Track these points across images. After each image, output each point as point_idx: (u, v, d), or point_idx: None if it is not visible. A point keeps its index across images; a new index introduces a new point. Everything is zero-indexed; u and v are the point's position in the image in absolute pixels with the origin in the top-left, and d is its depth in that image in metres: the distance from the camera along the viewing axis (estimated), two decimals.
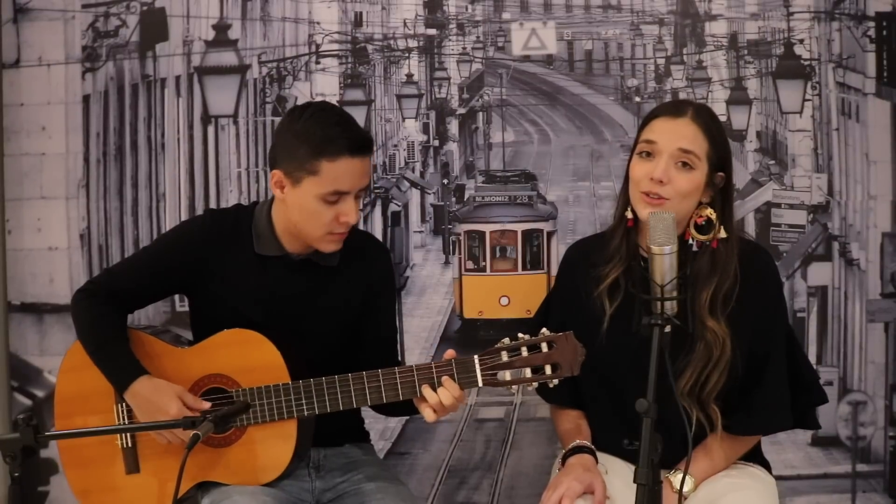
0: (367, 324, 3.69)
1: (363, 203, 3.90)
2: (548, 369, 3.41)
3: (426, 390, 3.46)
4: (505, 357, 3.43)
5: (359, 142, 3.50)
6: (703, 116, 3.51)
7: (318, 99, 5.07)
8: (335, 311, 3.65)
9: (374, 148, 3.57)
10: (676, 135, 3.47)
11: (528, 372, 3.43)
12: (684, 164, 3.45)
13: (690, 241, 3.50)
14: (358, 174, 3.50)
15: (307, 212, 3.53)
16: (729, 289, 3.48)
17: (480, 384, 3.45)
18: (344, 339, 3.63)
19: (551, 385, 3.43)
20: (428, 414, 3.47)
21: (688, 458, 3.29)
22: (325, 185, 3.49)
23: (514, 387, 3.46)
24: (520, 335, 3.44)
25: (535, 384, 3.44)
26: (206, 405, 3.52)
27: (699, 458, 3.46)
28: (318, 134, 3.48)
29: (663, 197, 3.44)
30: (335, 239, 3.57)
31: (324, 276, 3.64)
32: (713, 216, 3.50)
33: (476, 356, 3.45)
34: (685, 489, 3.32)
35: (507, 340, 3.44)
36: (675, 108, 3.54)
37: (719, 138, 3.52)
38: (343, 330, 3.66)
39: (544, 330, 3.43)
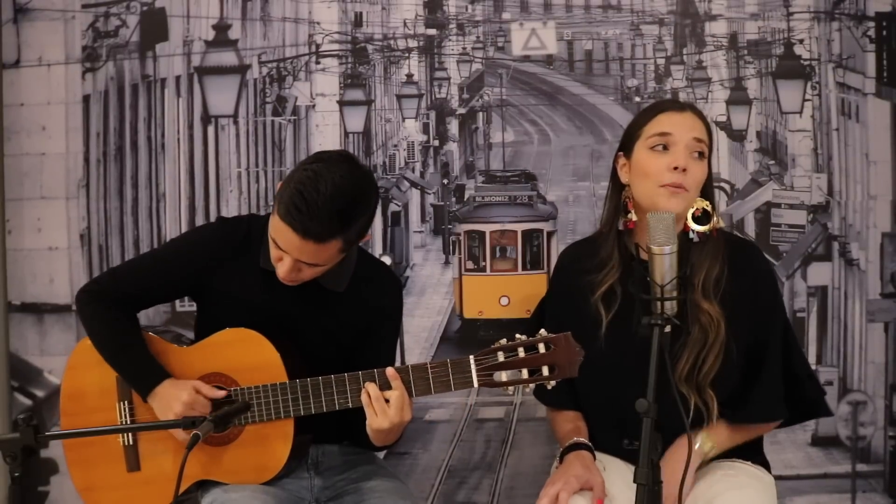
0: (366, 349, 3.67)
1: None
2: (545, 370, 3.40)
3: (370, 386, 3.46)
4: (501, 357, 3.42)
5: (304, 229, 3.39)
6: (699, 111, 3.62)
7: (318, 99, 5.07)
8: (335, 334, 3.65)
9: (334, 240, 3.43)
10: (688, 126, 3.53)
11: (525, 373, 3.42)
12: (699, 153, 3.52)
13: (691, 234, 3.53)
14: (295, 248, 3.43)
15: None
16: (718, 273, 3.52)
17: (476, 385, 3.44)
18: (343, 361, 3.62)
19: (549, 387, 3.42)
20: (369, 413, 3.47)
21: (688, 457, 3.28)
22: (272, 230, 3.48)
23: (510, 388, 3.44)
24: (517, 336, 3.43)
25: (532, 386, 3.43)
26: (221, 394, 3.54)
27: (713, 430, 3.47)
28: (288, 190, 3.42)
29: (685, 186, 3.48)
30: (283, 278, 3.54)
31: (327, 299, 3.64)
32: (709, 207, 3.55)
33: (472, 356, 3.43)
34: (706, 448, 3.38)
35: (504, 341, 3.43)
36: (677, 104, 3.67)
37: (711, 132, 3.60)
38: (342, 352, 3.65)
39: (542, 331, 3.42)
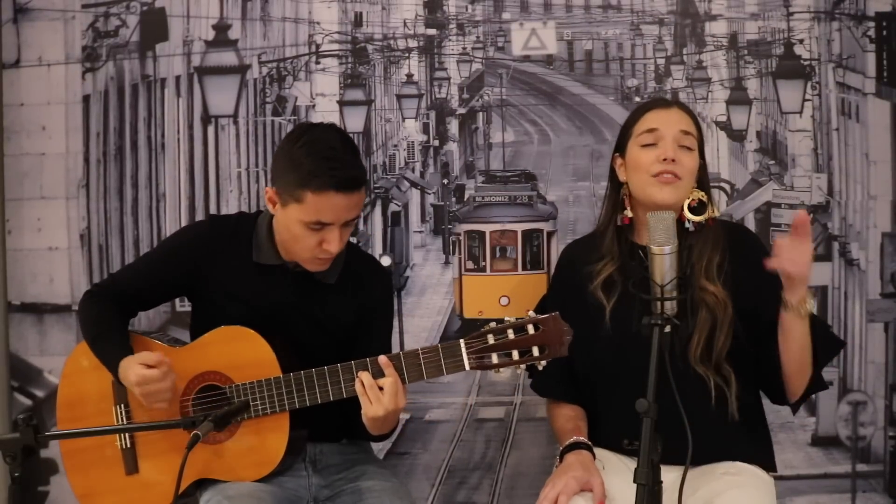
0: (361, 345, 3.69)
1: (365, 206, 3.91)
2: (535, 350, 3.43)
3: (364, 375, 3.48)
4: (491, 340, 3.45)
5: (346, 180, 3.48)
6: (686, 107, 3.74)
7: (319, 99, 5.07)
8: (326, 326, 3.68)
9: (365, 184, 3.58)
10: (675, 120, 3.64)
11: (515, 354, 3.44)
12: (687, 146, 3.62)
13: (687, 224, 3.60)
14: (342, 209, 3.50)
15: (292, 234, 3.57)
16: (721, 258, 3.60)
17: (467, 368, 3.46)
18: (336, 353, 3.63)
19: (539, 367, 3.45)
20: (364, 402, 3.49)
21: (688, 457, 3.28)
22: (309, 214, 3.51)
23: (502, 370, 3.47)
24: (506, 318, 3.45)
25: (523, 368, 3.45)
26: (159, 357, 3.51)
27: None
28: (307, 165, 3.48)
29: (677, 175, 3.57)
30: (320, 262, 3.60)
31: (319, 291, 3.67)
32: (704, 198, 3.63)
33: (462, 340, 3.46)
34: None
35: (493, 324, 3.45)
36: (662, 101, 3.78)
37: (700, 126, 3.71)
38: (335, 344, 3.67)
39: (530, 312, 3.46)
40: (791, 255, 3.39)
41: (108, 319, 3.66)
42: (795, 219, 3.40)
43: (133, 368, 3.52)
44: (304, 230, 3.52)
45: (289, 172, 3.50)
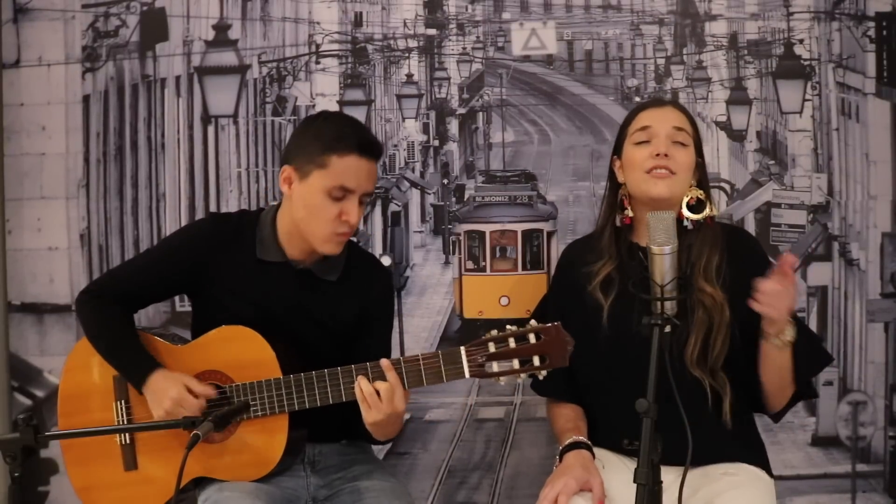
0: (361, 344, 3.71)
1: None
2: (536, 360, 3.43)
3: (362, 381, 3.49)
4: (492, 348, 3.44)
5: (368, 144, 3.60)
6: (680, 105, 3.77)
7: (319, 99, 5.08)
8: (327, 323, 3.69)
9: (382, 157, 3.65)
10: (668, 117, 3.66)
11: (516, 363, 3.44)
12: (680, 142, 3.63)
13: (685, 222, 3.59)
14: (364, 175, 3.58)
15: (311, 207, 3.58)
16: (719, 260, 3.60)
17: (467, 375, 3.46)
18: (336, 351, 3.64)
19: (540, 377, 3.45)
20: (363, 408, 3.49)
21: (688, 455, 3.28)
22: (332, 179, 3.55)
23: (502, 379, 3.46)
24: (507, 326, 3.45)
25: (523, 376, 3.46)
26: (212, 392, 3.56)
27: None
28: (331, 132, 3.58)
29: (672, 171, 3.58)
30: (336, 240, 3.60)
31: (321, 288, 3.69)
32: (703, 196, 3.63)
33: (463, 347, 3.46)
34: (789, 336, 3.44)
35: (495, 332, 3.45)
36: (657, 101, 3.84)
37: (695, 125, 3.72)
38: (335, 342, 3.69)
39: (532, 321, 3.45)
40: (773, 301, 3.38)
41: (119, 328, 3.67)
42: (782, 262, 3.37)
43: (178, 387, 3.54)
44: (325, 200, 3.57)
45: (311, 143, 3.59)
